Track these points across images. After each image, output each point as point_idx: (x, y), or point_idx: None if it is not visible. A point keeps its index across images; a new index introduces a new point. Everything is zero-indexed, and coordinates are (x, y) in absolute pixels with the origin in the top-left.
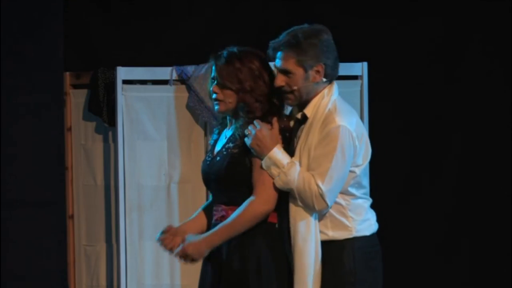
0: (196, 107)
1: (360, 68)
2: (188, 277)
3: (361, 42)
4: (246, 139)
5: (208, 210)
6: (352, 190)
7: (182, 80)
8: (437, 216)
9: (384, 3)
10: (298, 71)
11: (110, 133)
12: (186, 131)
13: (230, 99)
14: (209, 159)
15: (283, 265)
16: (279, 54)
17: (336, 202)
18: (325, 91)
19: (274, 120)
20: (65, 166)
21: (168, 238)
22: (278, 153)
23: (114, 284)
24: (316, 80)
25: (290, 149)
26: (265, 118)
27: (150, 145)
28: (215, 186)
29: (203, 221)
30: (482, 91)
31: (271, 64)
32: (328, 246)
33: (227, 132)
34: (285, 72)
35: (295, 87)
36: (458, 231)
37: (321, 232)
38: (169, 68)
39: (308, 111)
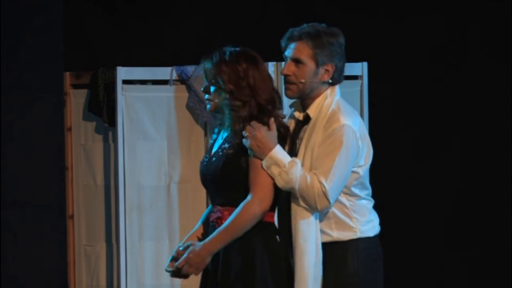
0: (196, 107)
1: (360, 68)
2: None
3: (361, 42)
4: (244, 140)
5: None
6: (356, 190)
7: (182, 80)
8: (437, 216)
9: (384, 3)
10: (310, 64)
11: (110, 133)
12: (186, 131)
13: (217, 99)
14: (206, 159)
15: (281, 264)
16: (294, 44)
17: (340, 203)
18: (328, 91)
19: (271, 121)
20: (65, 166)
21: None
22: (279, 152)
23: (114, 284)
24: (323, 78)
25: (293, 150)
26: (259, 119)
27: (150, 145)
28: (211, 187)
29: (207, 229)
30: (483, 90)
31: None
32: (331, 247)
33: (224, 133)
34: (297, 61)
35: (302, 80)
36: (458, 231)
37: (325, 233)
38: (169, 68)
39: (311, 111)
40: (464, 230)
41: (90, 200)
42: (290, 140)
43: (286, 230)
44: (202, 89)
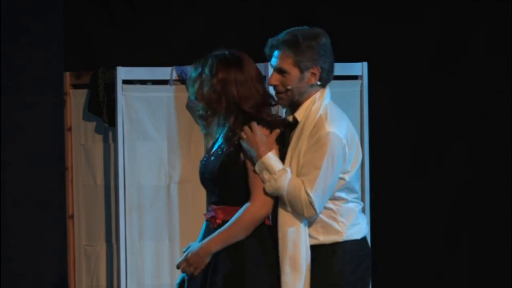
0: (196, 107)
1: (360, 68)
2: None
3: (361, 42)
4: (241, 141)
5: None
6: (342, 194)
7: (182, 80)
8: (437, 216)
9: (384, 3)
10: (294, 71)
11: (110, 133)
12: (186, 131)
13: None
14: (205, 159)
15: (275, 266)
16: (276, 53)
17: (326, 207)
18: (317, 95)
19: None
20: (65, 166)
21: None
22: (271, 158)
23: (114, 284)
24: (311, 82)
25: (282, 152)
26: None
27: (150, 145)
28: (208, 186)
29: None
30: (483, 90)
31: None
32: (318, 250)
33: (222, 133)
34: (280, 71)
35: (288, 87)
36: (459, 231)
37: (311, 237)
38: (169, 68)
39: (299, 115)
40: (464, 230)
41: (90, 200)
42: (281, 142)
43: (275, 233)
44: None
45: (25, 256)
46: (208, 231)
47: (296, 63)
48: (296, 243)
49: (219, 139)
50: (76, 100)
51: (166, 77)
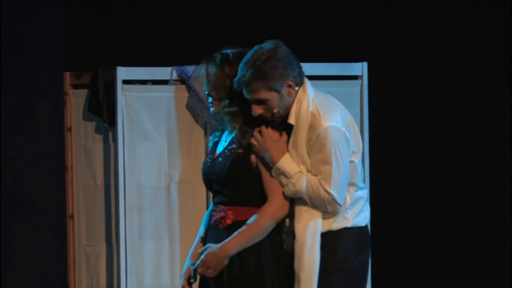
0: (196, 107)
1: (360, 68)
2: None
3: (361, 42)
4: (253, 147)
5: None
6: (354, 180)
7: (182, 80)
8: (437, 216)
9: (384, 3)
10: (272, 96)
11: (110, 133)
12: (186, 131)
13: (219, 103)
14: (210, 160)
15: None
16: (247, 89)
17: None
18: (300, 96)
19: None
20: (65, 166)
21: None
22: (286, 163)
23: (114, 284)
24: (290, 94)
25: None
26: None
27: (150, 145)
28: (216, 187)
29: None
30: (482, 90)
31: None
32: (324, 236)
33: (228, 135)
34: (259, 102)
35: (274, 110)
36: (459, 230)
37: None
38: (169, 68)
39: (291, 119)
40: (464, 230)
41: (90, 200)
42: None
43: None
44: (206, 93)
45: (25, 256)
46: (216, 231)
47: (270, 88)
48: (313, 244)
49: (222, 141)
50: (76, 100)
51: (166, 77)
